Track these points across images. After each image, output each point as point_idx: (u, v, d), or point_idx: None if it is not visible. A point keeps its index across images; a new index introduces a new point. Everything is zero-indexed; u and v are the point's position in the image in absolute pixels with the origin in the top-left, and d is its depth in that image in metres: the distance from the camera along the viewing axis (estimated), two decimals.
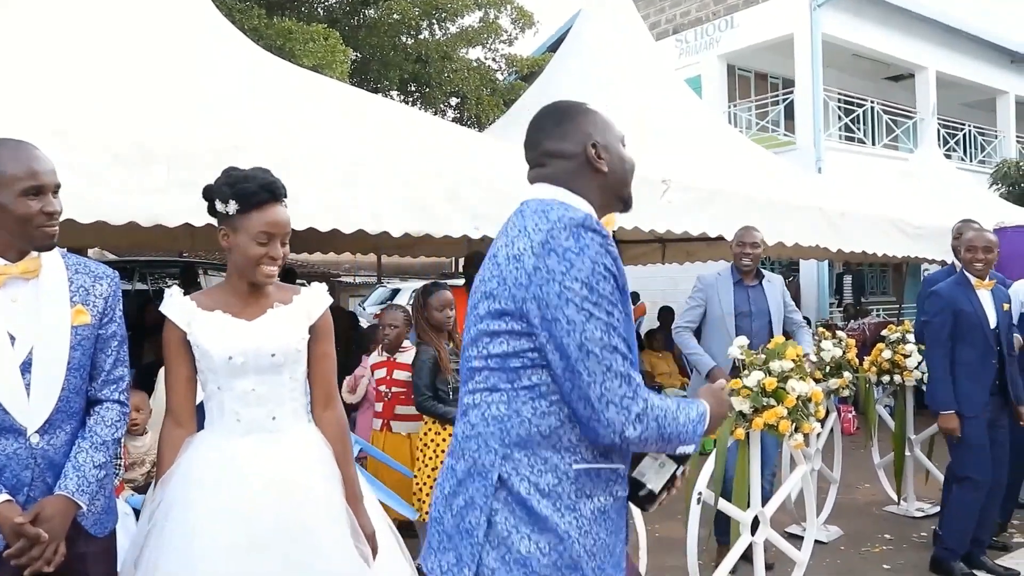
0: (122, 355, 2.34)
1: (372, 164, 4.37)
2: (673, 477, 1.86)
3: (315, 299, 2.59)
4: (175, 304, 2.40)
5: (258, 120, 4.32)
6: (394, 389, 4.57)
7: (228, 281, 2.45)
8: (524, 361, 1.69)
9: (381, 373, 4.72)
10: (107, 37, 4.49)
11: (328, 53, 10.38)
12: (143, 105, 4.02)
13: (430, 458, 4.14)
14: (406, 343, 4.74)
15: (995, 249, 4.64)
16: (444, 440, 4.12)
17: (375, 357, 4.87)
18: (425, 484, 4.12)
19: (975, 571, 4.60)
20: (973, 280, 4.59)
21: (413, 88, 15.88)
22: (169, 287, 2.48)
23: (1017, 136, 19.80)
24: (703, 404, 1.80)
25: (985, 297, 4.59)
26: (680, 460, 1.86)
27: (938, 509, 5.64)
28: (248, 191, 2.33)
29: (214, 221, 2.43)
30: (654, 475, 1.85)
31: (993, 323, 4.57)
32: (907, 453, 5.70)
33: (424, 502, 4.08)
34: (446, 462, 1.84)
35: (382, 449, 4.46)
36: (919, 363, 5.43)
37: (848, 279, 13.01)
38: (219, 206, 2.33)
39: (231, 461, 2.33)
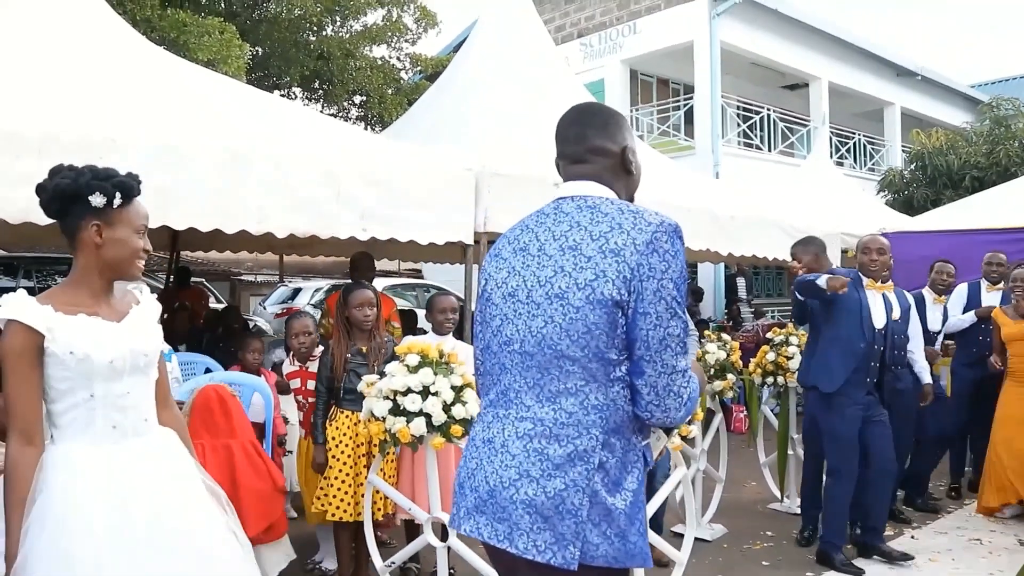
0: None
1: (258, 163, 4.28)
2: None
3: (152, 300, 2.53)
4: (28, 308, 2.20)
5: (138, 114, 4.19)
6: (311, 399, 4.46)
7: (79, 282, 2.30)
8: (619, 353, 1.83)
9: (296, 383, 4.66)
10: None
11: (224, 47, 10.13)
12: (13, 92, 3.87)
13: (342, 451, 4.13)
14: (317, 350, 4.67)
15: (887, 252, 4.93)
16: (351, 429, 4.13)
17: (287, 367, 4.80)
18: (337, 479, 4.08)
19: (875, 556, 4.84)
20: (866, 280, 4.86)
21: (316, 85, 15.63)
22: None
23: (903, 146, 20.66)
24: (695, 378, 1.99)
25: (874, 297, 4.83)
26: (667, 431, 2.06)
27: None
28: (128, 184, 2.28)
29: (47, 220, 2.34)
30: (650, 449, 2.02)
31: (879, 323, 4.78)
32: (790, 452, 5.88)
33: (336, 498, 4.06)
34: (522, 446, 1.87)
35: (304, 458, 4.42)
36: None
37: (741, 281, 13.34)
38: (96, 199, 2.22)
39: (122, 471, 2.24)
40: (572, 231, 1.90)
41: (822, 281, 4.59)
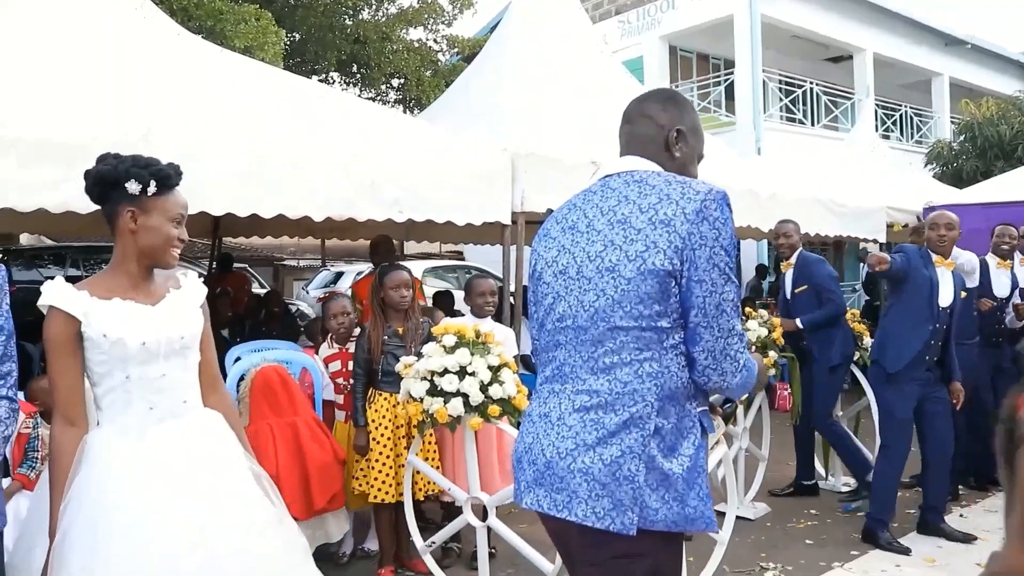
0: (9, 350, 2.28)
1: (295, 147, 4.31)
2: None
3: (197, 283, 2.56)
4: (65, 294, 2.28)
5: (177, 101, 4.23)
6: (352, 381, 4.40)
7: (118, 268, 2.36)
8: (672, 320, 1.86)
9: (336, 366, 4.59)
10: (13, 15, 4.36)
11: (260, 34, 10.19)
12: (52, 93, 3.92)
13: (382, 433, 4.16)
14: (356, 331, 4.65)
15: (956, 227, 4.79)
16: (390, 411, 4.16)
17: (325, 350, 4.72)
18: (378, 461, 4.11)
19: (935, 536, 4.79)
20: (935, 256, 4.74)
21: (353, 69, 15.67)
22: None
23: (952, 117, 20.20)
24: (753, 360, 2.03)
25: (944, 274, 4.73)
26: (724, 418, 2.15)
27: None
28: (165, 173, 2.33)
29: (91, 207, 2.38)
30: (708, 416, 2.03)
31: (946, 302, 4.70)
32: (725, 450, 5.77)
33: (378, 480, 4.09)
34: (578, 417, 1.89)
35: (347, 440, 4.38)
36: None
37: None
38: (132, 187, 2.28)
39: (157, 451, 2.29)
40: (620, 205, 1.93)
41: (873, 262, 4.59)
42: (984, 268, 5.82)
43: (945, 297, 4.69)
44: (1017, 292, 5.90)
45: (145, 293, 2.37)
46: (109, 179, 2.30)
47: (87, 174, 2.34)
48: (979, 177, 13.34)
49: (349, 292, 7.43)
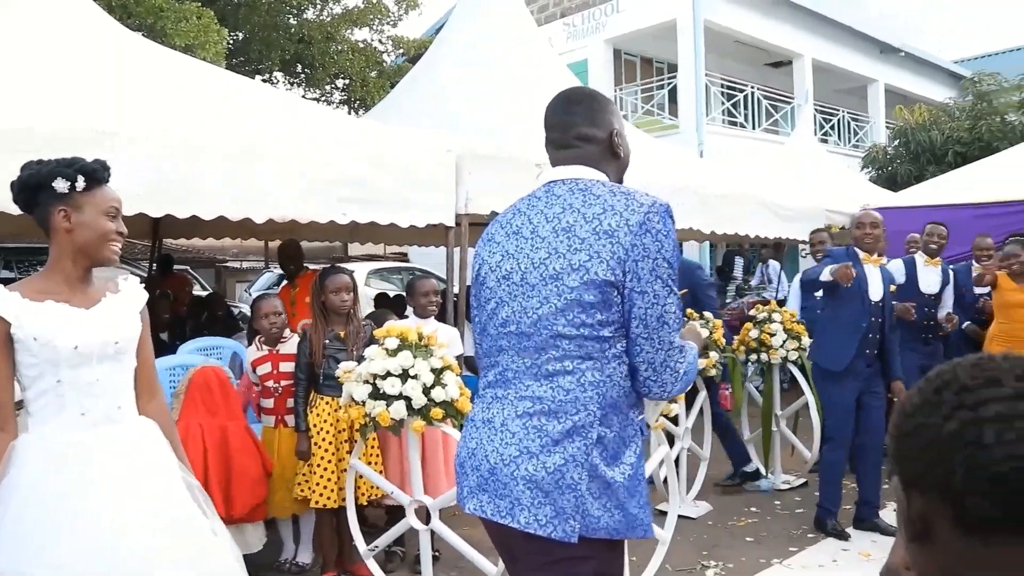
0: None
1: (235, 148, 4.25)
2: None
3: (137, 289, 2.52)
4: None
5: (114, 103, 4.14)
6: (283, 383, 4.33)
7: (53, 270, 2.32)
8: (614, 330, 1.88)
9: (265, 368, 4.42)
10: None
11: (201, 33, 10.04)
12: None
13: (323, 438, 4.11)
14: (286, 333, 4.57)
15: (881, 225, 4.98)
16: (332, 415, 4.11)
17: (253, 352, 4.53)
18: (320, 466, 4.06)
19: (870, 531, 4.95)
20: (861, 254, 4.91)
21: (298, 69, 15.52)
22: None
23: (886, 122, 20.68)
24: (692, 345, 2.06)
25: (871, 271, 4.89)
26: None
27: (802, 481, 5.93)
28: (91, 167, 2.31)
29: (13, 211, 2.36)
30: (649, 411, 2.16)
31: (876, 296, 4.87)
32: (774, 428, 5.91)
33: (320, 485, 4.04)
34: (521, 424, 1.90)
35: (277, 446, 4.30)
36: (784, 342, 5.64)
37: (740, 260, 13.32)
38: (60, 185, 2.25)
39: (87, 455, 2.26)
40: (565, 213, 1.93)
41: (826, 275, 4.76)
42: (911, 266, 6.01)
43: (875, 292, 4.87)
44: (948, 291, 6.11)
45: (81, 296, 2.33)
46: (34, 183, 2.28)
47: (12, 184, 2.31)
48: (912, 181, 13.68)
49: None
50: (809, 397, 5.58)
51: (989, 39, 23.32)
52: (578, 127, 2.04)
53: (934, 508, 0.85)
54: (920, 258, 6.11)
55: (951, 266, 6.35)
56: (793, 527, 5.05)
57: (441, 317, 5.27)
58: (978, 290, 6.28)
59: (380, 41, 15.64)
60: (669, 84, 17.61)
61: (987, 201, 7.74)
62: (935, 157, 15.01)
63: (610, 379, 1.88)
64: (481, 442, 1.97)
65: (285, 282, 6.69)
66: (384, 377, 3.49)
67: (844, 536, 4.84)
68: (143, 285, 2.59)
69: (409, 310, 5.08)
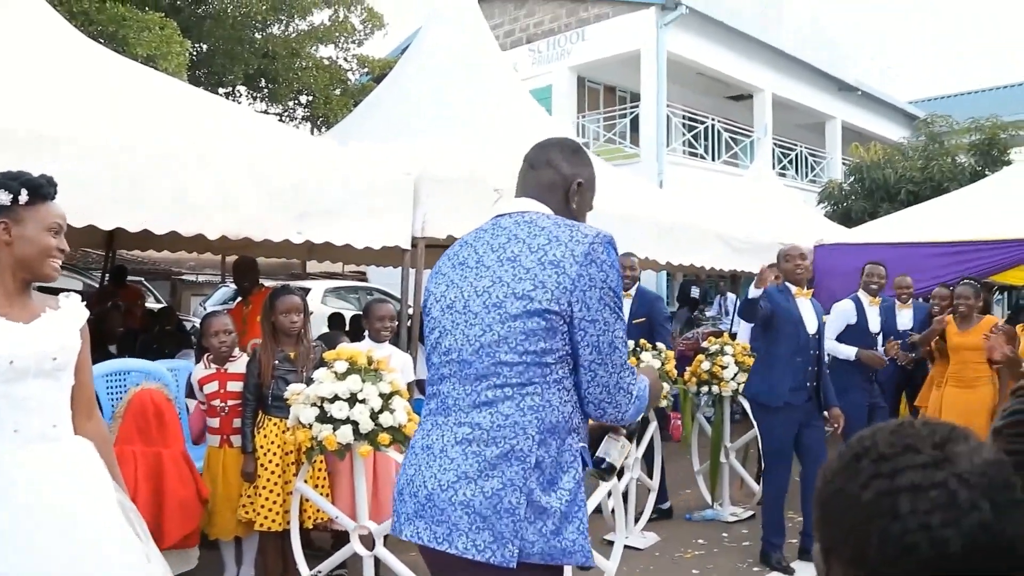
0: None
1: (192, 163, 4.20)
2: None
3: (78, 307, 2.47)
4: None
5: (69, 112, 4.08)
6: (230, 402, 4.26)
7: None
8: (556, 357, 1.92)
9: (213, 387, 4.33)
10: None
11: (164, 43, 9.93)
12: None
13: (270, 459, 4.05)
14: (235, 351, 4.49)
15: (808, 257, 5.12)
16: (279, 437, 4.05)
17: (201, 370, 4.44)
18: (266, 488, 4.01)
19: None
20: (793, 288, 4.97)
21: (261, 84, 15.42)
22: None
23: (843, 159, 21.07)
24: (644, 378, 2.12)
25: (804, 304, 4.97)
26: (629, 436, 2.23)
27: (750, 514, 5.96)
28: (36, 182, 2.29)
29: None
30: (616, 452, 2.21)
31: (812, 329, 4.94)
32: (723, 460, 5.95)
33: (265, 507, 3.98)
34: (460, 450, 1.91)
35: (222, 466, 4.21)
36: (735, 375, 5.69)
37: (696, 290, 13.42)
38: (3, 197, 2.24)
39: (20, 475, 2.20)
40: (510, 243, 1.99)
41: (752, 291, 4.78)
42: (859, 306, 6.11)
43: (811, 325, 4.95)
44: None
45: (19, 310, 2.29)
46: None
47: None
48: (866, 217, 13.93)
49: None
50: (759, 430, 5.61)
51: (942, 82, 23.93)
52: (550, 152, 2.16)
53: None
54: (865, 297, 6.20)
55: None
56: (739, 560, 5.06)
57: (395, 340, 5.24)
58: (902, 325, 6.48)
59: (345, 59, 15.61)
60: (631, 113, 17.78)
61: (938, 241, 7.90)
62: (889, 195, 15.29)
63: (549, 404, 1.90)
64: (419, 468, 1.97)
65: (239, 299, 6.61)
66: (332, 400, 3.45)
67: (789, 571, 4.86)
68: (95, 296, 2.55)
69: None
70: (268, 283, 10.91)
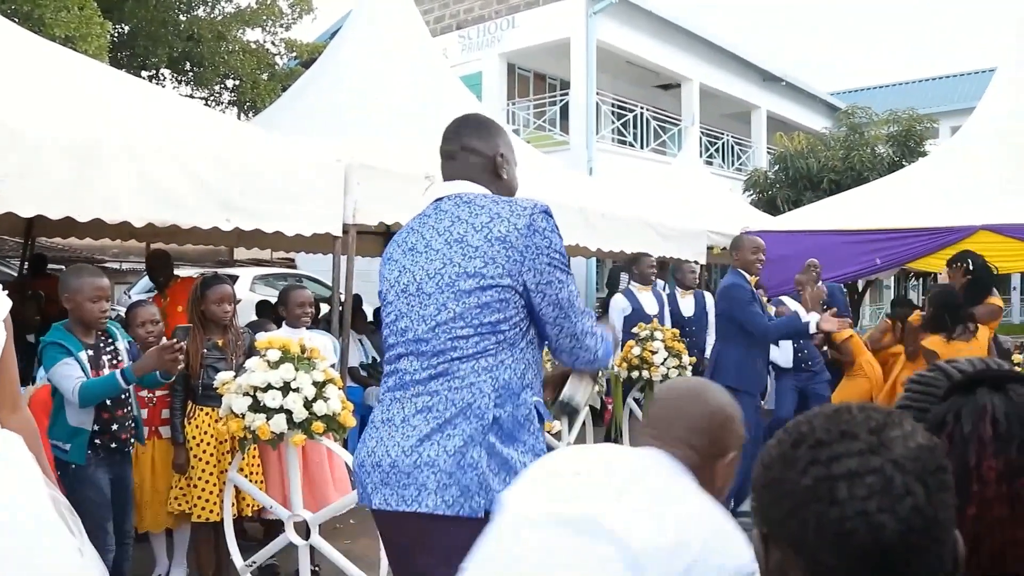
0: None
1: (117, 148, 4.10)
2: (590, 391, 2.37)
3: (0, 297, 2.40)
4: None
5: None
6: (158, 393, 4.16)
7: None
8: (510, 324, 2.03)
9: None
10: None
11: (83, 24, 9.62)
12: None
13: (204, 450, 3.99)
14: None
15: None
16: (212, 427, 3.99)
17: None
18: (201, 479, 3.95)
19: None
20: (750, 278, 5.18)
21: (186, 67, 15.05)
22: None
23: (768, 148, 21.51)
24: (606, 329, 2.28)
25: (758, 293, 5.25)
26: (593, 376, 2.35)
27: None
28: None
29: None
30: (580, 392, 2.30)
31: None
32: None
33: (201, 499, 3.92)
34: (421, 417, 2.00)
35: (152, 458, 4.12)
36: (664, 359, 5.80)
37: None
38: None
39: None
40: (454, 225, 2.09)
41: (813, 326, 4.91)
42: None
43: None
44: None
45: None
46: None
47: None
48: (790, 206, 14.27)
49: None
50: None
51: (862, 75, 24.57)
52: (463, 138, 2.25)
53: (789, 561, 0.87)
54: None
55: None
56: None
57: (326, 326, 5.22)
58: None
59: (273, 43, 15.33)
60: (561, 101, 17.86)
61: (858, 228, 8.14)
62: (812, 183, 15.68)
63: (502, 363, 2.02)
64: (381, 440, 2.06)
65: (156, 292, 6.47)
66: (265, 390, 3.43)
67: None
68: (12, 286, 2.48)
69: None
70: (194, 271, 10.67)
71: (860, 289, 12.12)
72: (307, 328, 4.61)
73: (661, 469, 1.54)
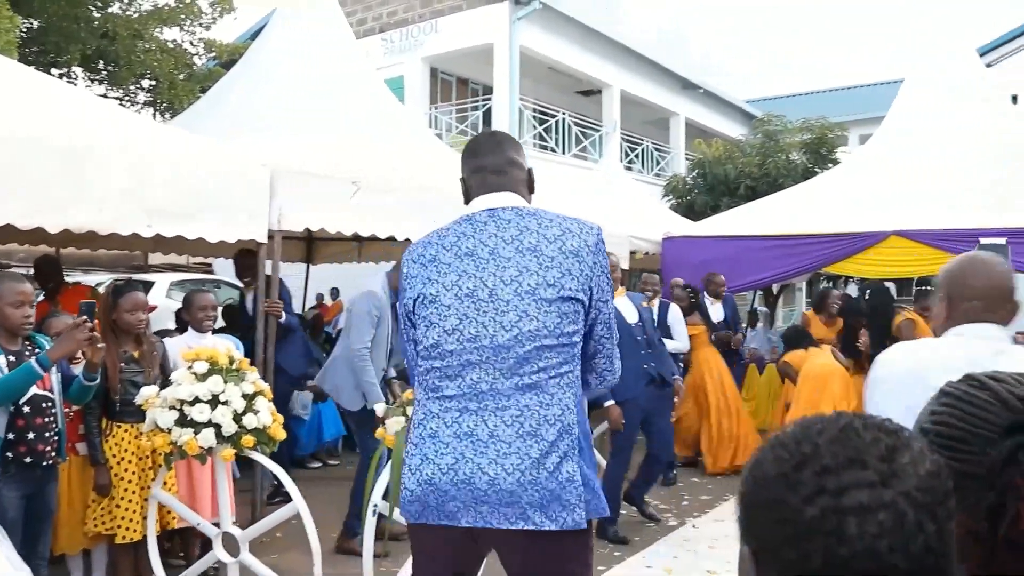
0: None
1: (30, 150, 3.95)
2: None
3: None
4: None
5: None
6: (75, 407, 3.95)
7: None
8: (581, 336, 2.12)
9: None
10: None
11: None
12: None
13: (126, 468, 3.82)
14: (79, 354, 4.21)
15: (617, 269, 5.69)
16: (133, 443, 3.84)
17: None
18: (124, 499, 3.78)
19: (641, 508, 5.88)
20: (619, 289, 5.58)
21: (100, 66, 14.58)
22: None
23: (686, 154, 21.90)
24: None
25: (621, 302, 5.42)
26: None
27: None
28: None
29: None
30: None
31: (633, 319, 5.47)
32: None
33: (125, 519, 3.75)
34: (513, 432, 2.01)
35: (68, 476, 3.92)
36: None
37: None
38: None
39: None
40: (523, 235, 2.12)
41: None
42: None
43: (631, 317, 5.47)
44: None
45: None
46: None
47: None
48: (708, 211, 14.54)
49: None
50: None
51: (776, 83, 25.22)
52: (508, 152, 2.30)
53: None
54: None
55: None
56: (600, 546, 5.20)
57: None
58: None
59: (191, 43, 14.95)
60: (484, 106, 17.90)
61: (776, 234, 8.36)
62: (729, 189, 16.01)
63: (578, 380, 2.12)
64: (463, 456, 2.03)
65: (42, 297, 6.20)
66: (192, 403, 3.34)
67: (623, 540, 5.37)
68: None
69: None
70: (106, 276, 10.26)
71: (775, 292, 12.41)
72: (213, 332, 4.52)
73: None
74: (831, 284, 13.12)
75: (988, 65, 12.63)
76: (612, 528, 5.38)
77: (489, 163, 2.28)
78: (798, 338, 7.51)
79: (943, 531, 0.82)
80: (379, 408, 4.01)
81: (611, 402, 5.23)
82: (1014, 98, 15.91)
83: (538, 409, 2.02)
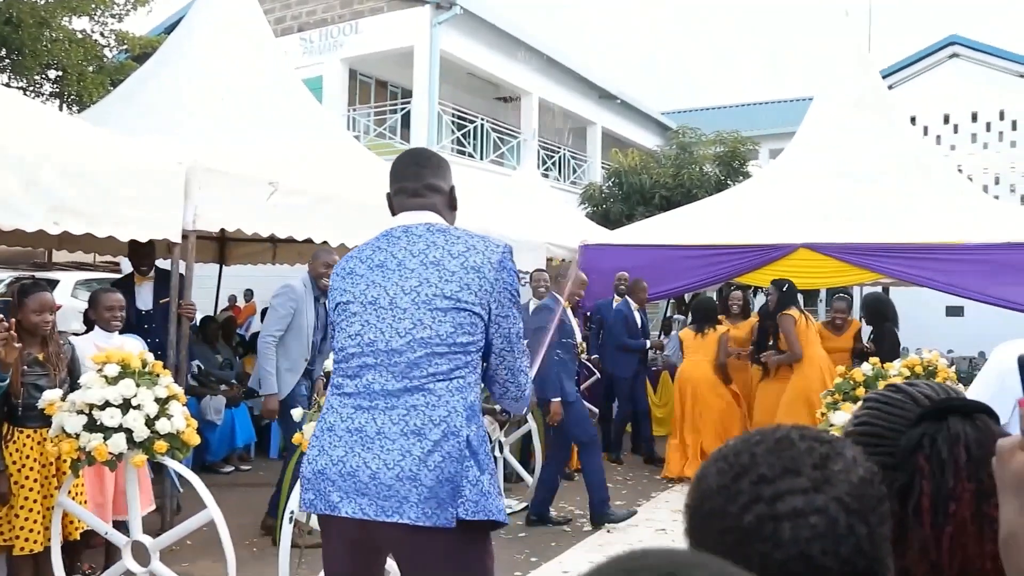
0: None
1: None
2: None
3: None
4: None
5: None
6: None
7: None
8: (476, 348, 2.22)
9: None
10: None
11: None
12: None
13: (27, 475, 3.65)
14: None
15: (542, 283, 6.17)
16: (36, 449, 3.67)
17: None
18: (24, 507, 3.60)
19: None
20: (564, 301, 5.74)
21: (2, 54, 13.98)
22: None
23: (603, 163, 22.18)
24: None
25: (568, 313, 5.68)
26: (501, 424, 2.52)
27: (524, 506, 6.16)
28: None
29: None
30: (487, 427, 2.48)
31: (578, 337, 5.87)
32: (497, 454, 6.12)
33: (25, 529, 3.58)
34: (399, 430, 2.11)
35: None
36: None
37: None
38: None
39: None
40: (430, 249, 2.25)
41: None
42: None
43: (578, 333, 5.86)
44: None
45: None
46: None
47: None
48: (624, 220, 14.75)
49: None
50: (532, 425, 5.85)
51: (690, 96, 25.77)
52: (427, 178, 2.41)
53: None
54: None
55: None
56: (517, 552, 5.23)
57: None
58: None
59: (102, 34, 14.44)
60: (403, 109, 17.80)
61: (691, 244, 8.54)
62: (644, 199, 16.27)
63: (470, 386, 2.19)
64: (352, 449, 2.15)
65: None
66: (102, 407, 3.23)
67: (632, 513, 5.86)
68: None
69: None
70: (5, 275, 9.85)
71: (687, 300, 12.66)
72: (119, 333, 4.39)
73: None
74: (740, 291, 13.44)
75: (890, 87, 13.13)
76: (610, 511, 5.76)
77: (408, 187, 2.42)
78: (703, 315, 7.99)
79: (875, 535, 0.86)
80: (295, 413, 3.97)
81: (557, 399, 5.58)
82: (912, 119, 16.62)
83: (424, 409, 2.13)
